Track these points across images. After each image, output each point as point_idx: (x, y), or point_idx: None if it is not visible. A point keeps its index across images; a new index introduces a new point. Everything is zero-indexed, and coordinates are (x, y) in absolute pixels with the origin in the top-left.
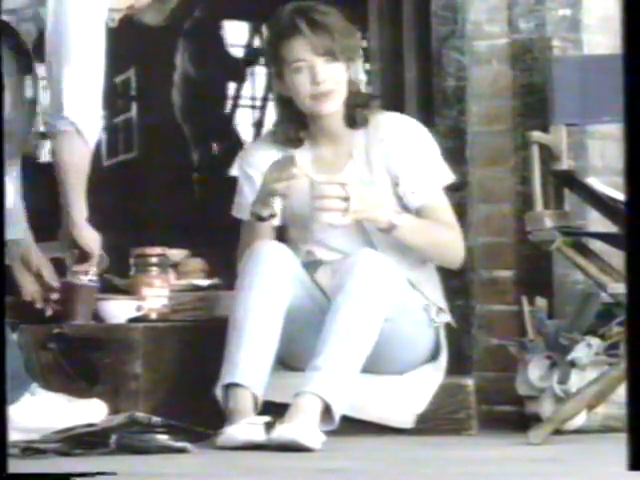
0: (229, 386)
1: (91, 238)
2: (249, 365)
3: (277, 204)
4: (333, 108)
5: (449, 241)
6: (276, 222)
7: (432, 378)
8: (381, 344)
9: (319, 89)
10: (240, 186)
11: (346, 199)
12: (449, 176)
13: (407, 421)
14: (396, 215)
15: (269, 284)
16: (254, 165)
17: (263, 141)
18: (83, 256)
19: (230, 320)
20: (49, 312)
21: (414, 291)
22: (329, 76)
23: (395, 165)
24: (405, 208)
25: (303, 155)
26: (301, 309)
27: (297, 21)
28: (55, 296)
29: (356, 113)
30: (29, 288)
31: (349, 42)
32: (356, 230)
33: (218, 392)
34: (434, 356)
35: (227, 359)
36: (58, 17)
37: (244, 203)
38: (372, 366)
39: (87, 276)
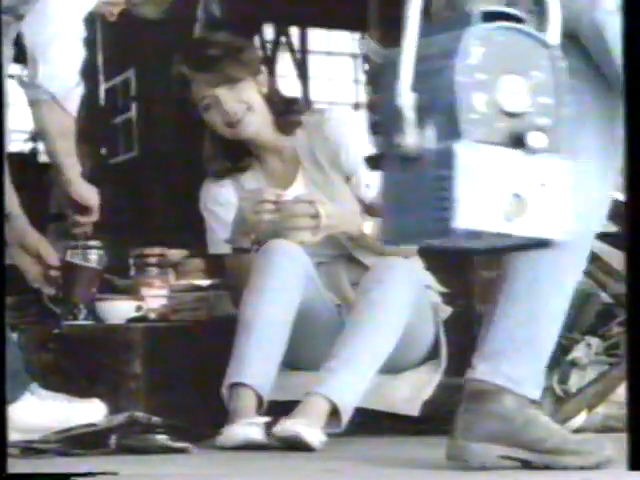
0: (234, 385)
1: (89, 191)
2: (256, 365)
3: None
4: (252, 128)
5: None
6: (255, 247)
7: (434, 371)
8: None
9: (230, 117)
10: (208, 224)
11: (315, 216)
12: None
13: (413, 408)
14: (367, 224)
15: (281, 285)
16: (215, 201)
17: (213, 179)
18: (84, 211)
19: (240, 319)
20: (51, 291)
21: (424, 290)
22: (235, 101)
23: (344, 161)
24: (359, 201)
25: (253, 176)
26: (310, 310)
27: (183, 68)
28: (56, 273)
29: (283, 119)
30: (31, 269)
31: (244, 59)
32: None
33: (224, 390)
34: (434, 354)
35: (235, 358)
36: None
37: (216, 238)
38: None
39: (86, 239)
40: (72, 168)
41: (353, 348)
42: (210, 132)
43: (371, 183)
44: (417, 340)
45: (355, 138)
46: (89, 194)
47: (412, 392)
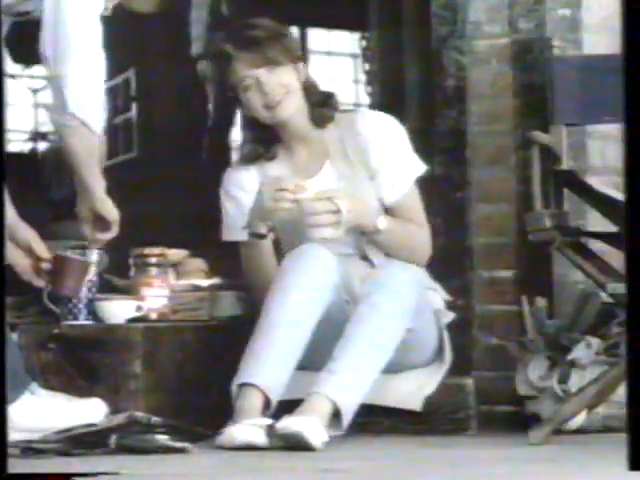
0: (244, 384)
1: (112, 207)
2: (270, 367)
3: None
4: (289, 111)
5: (420, 242)
6: (272, 235)
7: (437, 370)
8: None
9: (269, 98)
10: (225, 210)
11: (336, 212)
12: (422, 167)
13: (416, 403)
14: (381, 219)
15: (310, 289)
16: (237, 186)
17: (240, 163)
18: (105, 226)
19: (262, 318)
20: (42, 284)
21: (426, 295)
22: (275, 83)
23: (373, 158)
24: (379, 199)
25: (278, 164)
26: (328, 313)
27: (227, 46)
28: (47, 266)
29: (317, 111)
30: (21, 263)
31: (284, 45)
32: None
33: (233, 388)
34: (439, 356)
35: (249, 356)
36: (55, 12)
37: (233, 225)
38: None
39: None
40: (99, 186)
41: (355, 351)
42: (244, 115)
43: (396, 184)
44: (420, 344)
45: (386, 138)
46: (113, 210)
47: (415, 388)
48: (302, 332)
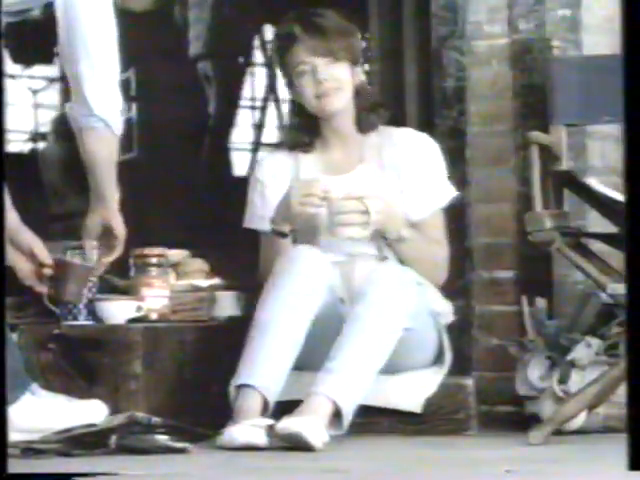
0: (241, 385)
1: (122, 224)
2: (267, 368)
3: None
4: (337, 106)
5: (439, 261)
6: (292, 234)
7: (437, 372)
8: (393, 351)
9: (322, 88)
10: (251, 197)
11: (365, 212)
12: (452, 192)
13: (416, 405)
14: (405, 228)
15: (302, 291)
16: (270, 173)
17: (276, 151)
18: (110, 244)
19: (255, 320)
20: (44, 290)
21: (423, 296)
22: (330, 75)
23: (405, 171)
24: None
25: (313, 158)
26: (324, 315)
27: (295, 27)
28: (49, 272)
29: (365, 116)
30: (23, 268)
31: (349, 43)
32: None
33: (231, 390)
34: (439, 358)
35: (245, 357)
36: (68, 14)
37: (257, 214)
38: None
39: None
40: (115, 198)
41: (353, 350)
42: (293, 101)
43: (424, 204)
44: (420, 345)
45: (422, 157)
46: (123, 227)
47: (415, 389)
48: (294, 333)
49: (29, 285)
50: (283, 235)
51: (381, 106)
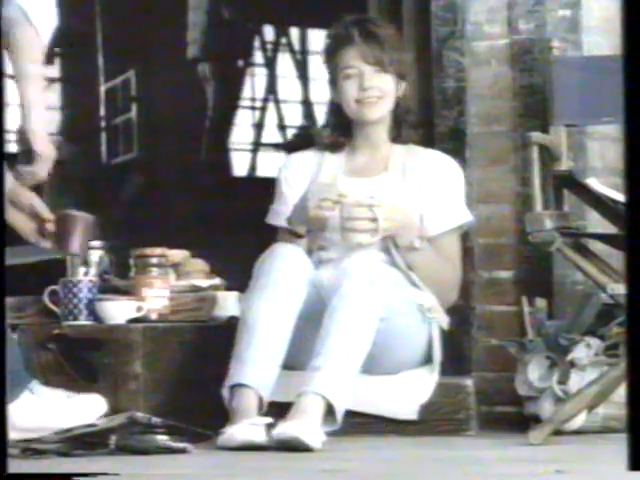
0: (235, 386)
1: (49, 145)
2: (257, 366)
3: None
4: (377, 115)
5: (450, 280)
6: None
7: (429, 376)
8: (377, 345)
9: (365, 95)
10: (279, 193)
11: (374, 220)
12: (468, 217)
13: (412, 412)
14: (418, 239)
15: (283, 286)
16: (295, 170)
17: (304, 151)
18: (30, 155)
19: (241, 319)
20: (49, 245)
21: (408, 291)
22: (376, 84)
23: (426, 187)
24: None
25: (338, 160)
26: (311, 312)
27: (351, 30)
28: (52, 227)
29: (398, 129)
30: (25, 227)
31: (400, 56)
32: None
33: (224, 391)
34: (428, 358)
35: (235, 358)
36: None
37: (282, 211)
38: (369, 367)
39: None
40: (39, 118)
41: (334, 344)
42: (331, 103)
43: (438, 224)
44: (404, 338)
45: (443, 178)
46: (49, 147)
47: (409, 396)
48: (280, 330)
49: (33, 243)
50: (298, 236)
51: (417, 123)
